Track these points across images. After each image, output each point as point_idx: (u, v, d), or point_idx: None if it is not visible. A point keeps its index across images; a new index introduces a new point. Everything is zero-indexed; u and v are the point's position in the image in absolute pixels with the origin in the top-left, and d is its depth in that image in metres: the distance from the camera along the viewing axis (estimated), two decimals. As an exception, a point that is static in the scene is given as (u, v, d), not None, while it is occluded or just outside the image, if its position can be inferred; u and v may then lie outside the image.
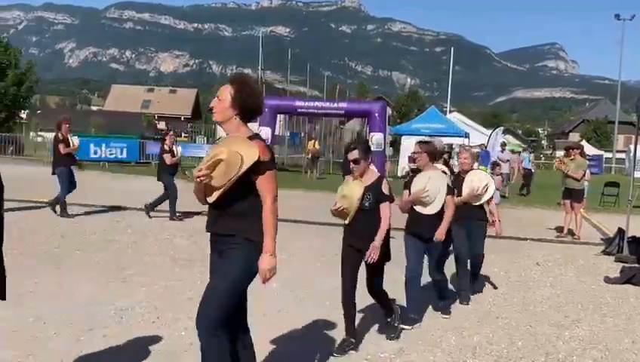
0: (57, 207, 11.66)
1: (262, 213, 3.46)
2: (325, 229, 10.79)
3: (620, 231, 10.41)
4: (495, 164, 15.93)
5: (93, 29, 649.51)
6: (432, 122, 28.94)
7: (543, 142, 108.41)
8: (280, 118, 32.99)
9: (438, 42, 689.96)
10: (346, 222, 5.04)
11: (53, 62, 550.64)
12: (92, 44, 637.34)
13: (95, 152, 27.78)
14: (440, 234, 5.79)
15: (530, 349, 5.38)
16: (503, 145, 23.63)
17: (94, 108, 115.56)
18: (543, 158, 60.50)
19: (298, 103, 31.27)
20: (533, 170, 23.94)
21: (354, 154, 5.00)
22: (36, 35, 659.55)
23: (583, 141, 54.42)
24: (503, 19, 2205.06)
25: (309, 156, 28.32)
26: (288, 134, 37.33)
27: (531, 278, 8.43)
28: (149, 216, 11.83)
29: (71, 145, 11.71)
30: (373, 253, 4.87)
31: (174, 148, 12.30)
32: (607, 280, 8.37)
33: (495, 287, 7.67)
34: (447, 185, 5.90)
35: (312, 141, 29.15)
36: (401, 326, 5.71)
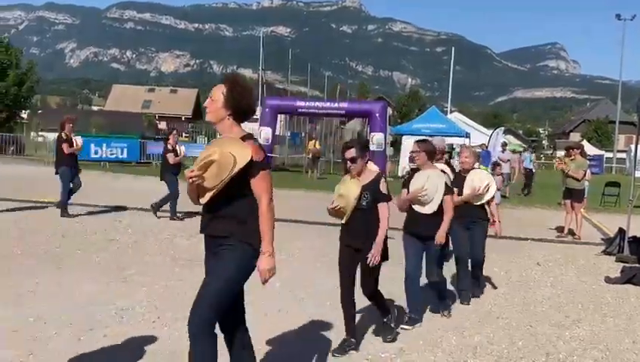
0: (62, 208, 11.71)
1: (257, 214, 3.45)
2: (326, 229, 10.79)
3: (621, 231, 10.41)
4: (496, 164, 15.95)
5: (94, 29, 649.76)
6: (432, 122, 28.92)
7: (543, 142, 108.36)
8: (281, 118, 33.02)
9: (439, 42, 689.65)
10: (343, 221, 5.02)
11: (54, 62, 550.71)
12: (93, 44, 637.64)
13: (96, 152, 27.79)
14: (440, 237, 5.77)
15: (530, 349, 5.37)
16: (504, 145, 23.63)
17: (95, 108, 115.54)
18: (543, 158, 60.50)
19: (299, 103, 31.31)
20: (534, 170, 23.91)
21: (351, 152, 4.99)
22: (37, 35, 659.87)
23: (584, 141, 54.42)
24: (504, 19, 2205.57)
25: (310, 156, 28.32)
26: (289, 134, 37.31)
27: (532, 278, 8.43)
28: (157, 216, 11.84)
29: (74, 145, 11.73)
30: (375, 256, 4.85)
31: (178, 147, 12.30)
32: (608, 280, 8.36)
33: (495, 287, 7.67)
34: (446, 185, 5.86)
35: (313, 141, 29.15)
36: (402, 326, 5.72)
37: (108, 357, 4.67)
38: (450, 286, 7.42)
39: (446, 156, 8.59)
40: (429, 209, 5.78)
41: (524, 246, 11.08)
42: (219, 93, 3.53)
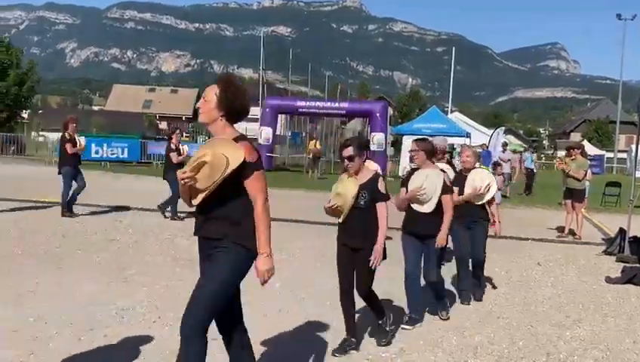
0: (71, 208, 11.76)
1: (251, 215, 3.42)
2: (326, 229, 10.78)
3: (622, 231, 10.40)
4: (496, 164, 15.95)
5: (94, 29, 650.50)
6: (433, 122, 28.91)
7: (544, 142, 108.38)
8: (281, 117, 33.06)
9: (440, 42, 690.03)
10: (340, 220, 4.98)
11: (54, 62, 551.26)
12: (93, 43, 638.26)
13: (96, 152, 27.84)
14: (441, 239, 5.73)
15: (531, 349, 5.37)
16: (505, 145, 23.61)
17: (96, 108, 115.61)
18: (543, 158, 60.47)
19: (299, 103, 31.35)
20: (535, 170, 23.88)
21: (348, 150, 4.95)
22: (38, 34, 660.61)
23: (585, 141, 54.41)
24: (505, 19, 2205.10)
25: (310, 156, 28.32)
26: (289, 134, 37.35)
27: (532, 278, 8.42)
28: (165, 216, 11.85)
29: (78, 144, 11.76)
30: (377, 259, 4.82)
31: (181, 147, 12.31)
32: (609, 280, 8.36)
33: (495, 287, 7.65)
34: (445, 184, 5.81)
35: (314, 141, 29.16)
36: (402, 326, 5.71)
37: (108, 357, 4.67)
38: (450, 287, 7.42)
39: (447, 156, 8.59)
40: (427, 208, 5.75)
41: (525, 246, 11.07)
42: (212, 93, 3.49)
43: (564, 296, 7.43)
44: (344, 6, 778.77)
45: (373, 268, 4.86)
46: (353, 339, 5.04)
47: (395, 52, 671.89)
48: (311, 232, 11.18)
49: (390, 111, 33.58)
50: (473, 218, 6.79)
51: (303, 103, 31.32)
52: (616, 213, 16.16)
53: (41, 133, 53.96)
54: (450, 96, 44.26)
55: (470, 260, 6.99)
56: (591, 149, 46.79)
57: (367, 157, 5.19)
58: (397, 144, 35.16)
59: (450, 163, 8.47)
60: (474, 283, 6.99)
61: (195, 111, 4.15)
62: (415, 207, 5.81)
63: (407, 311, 5.91)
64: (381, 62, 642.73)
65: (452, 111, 42.85)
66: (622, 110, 63.01)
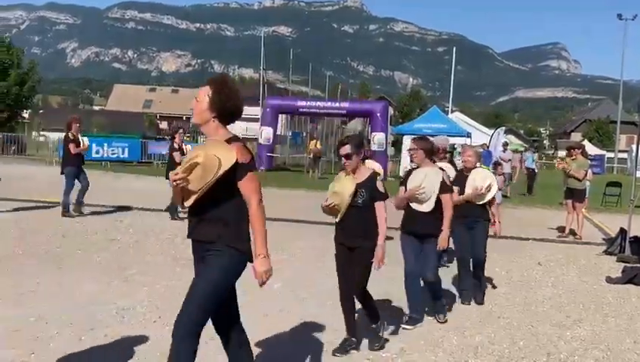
0: (80, 208, 11.84)
1: (244, 216, 3.40)
2: (327, 229, 10.74)
3: (622, 231, 10.40)
4: (497, 164, 15.92)
5: (95, 29, 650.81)
6: (434, 122, 28.91)
7: (545, 142, 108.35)
8: (282, 117, 33.08)
9: (440, 42, 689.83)
10: (337, 219, 4.95)
11: (55, 62, 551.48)
12: (94, 43, 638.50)
13: (97, 152, 27.84)
14: (443, 240, 5.71)
15: (531, 349, 5.37)
16: (505, 145, 23.58)
17: (96, 107, 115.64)
18: (544, 158, 60.44)
19: (300, 103, 31.36)
20: (536, 170, 23.83)
21: (346, 148, 4.92)
22: (38, 34, 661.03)
23: (585, 141, 54.38)
24: (505, 19, 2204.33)
25: (311, 156, 28.35)
26: (290, 134, 37.37)
27: (533, 278, 8.42)
28: (178, 218, 11.82)
29: (81, 145, 11.79)
30: (379, 259, 4.80)
31: (184, 146, 12.33)
32: (609, 280, 8.36)
33: (494, 287, 7.65)
34: (445, 183, 5.78)
35: (314, 141, 29.18)
36: (403, 326, 5.71)
37: (109, 357, 4.67)
38: (451, 287, 7.42)
39: (448, 155, 8.59)
40: (426, 207, 5.71)
41: (526, 246, 11.07)
42: (204, 95, 3.47)
43: (564, 296, 7.43)
44: (345, 6, 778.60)
45: (377, 268, 4.84)
46: (354, 339, 5.04)
47: (396, 52, 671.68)
48: (312, 232, 11.17)
49: (391, 111, 33.57)
50: (474, 218, 6.76)
51: (303, 103, 31.33)
52: (617, 213, 16.15)
53: (41, 132, 54.05)
54: (451, 96, 44.21)
55: (471, 260, 6.98)
56: (591, 149, 46.77)
57: (365, 156, 5.16)
58: (397, 144, 35.16)
59: (451, 162, 8.48)
60: (474, 284, 6.93)
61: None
62: (414, 206, 5.77)
63: (407, 311, 5.91)
64: (382, 62, 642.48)
65: (453, 111, 42.83)
66: (622, 110, 62.97)
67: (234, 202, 3.40)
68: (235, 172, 3.35)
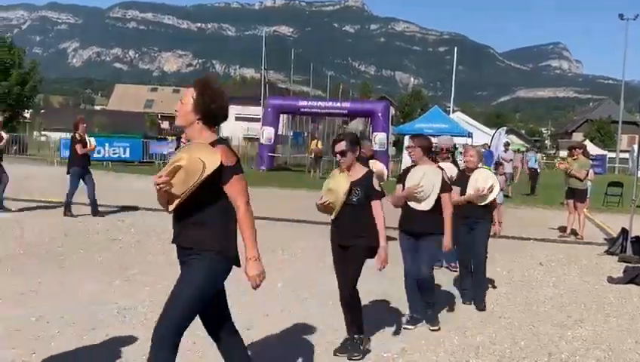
0: (97, 208, 11.88)
1: (231, 220, 3.36)
2: (328, 229, 10.77)
3: (624, 231, 10.39)
4: (498, 164, 15.93)
5: (96, 29, 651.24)
6: (435, 122, 28.89)
7: (546, 142, 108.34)
8: (283, 117, 33.08)
9: (442, 42, 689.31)
10: (332, 216, 4.90)
11: (56, 62, 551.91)
12: (95, 43, 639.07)
13: (98, 152, 27.74)
14: (447, 244, 5.65)
15: (532, 349, 5.36)
16: (507, 145, 23.56)
17: (98, 107, 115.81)
18: (545, 158, 60.41)
19: (301, 103, 31.38)
20: (539, 170, 23.80)
21: (341, 145, 4.87)
22: (40, 34, 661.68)
23: (587, 141, 54.43)
24: (507, 19, 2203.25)
25: (312, 156, 28.35)
26: (291, 134, 37.36)
27: (534, 278, 8.42)
28: None
29: (88, 145, 11.83)
30: (382, 261, 4.75)
31: None
32: (611, 280, 8.35)
33: (494, 287, 7.64)
34: (445, 182, 5.70)
35: (315, 141, 29.19)
36: (404, 326, 5.70)
37: (110, 357, 4.67)
38: (452, 287, 7.42)
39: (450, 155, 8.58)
40: (425, 206, 5.62)
41: (527, 246, 11.07)
42: (189, 96, 3.43)
43: (566, 296, 7.42)
44: (346, 6, 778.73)
45: (381, 269, 4.80)
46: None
47: (397, 52, 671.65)
48: (313, 232, 11.16)
49: (392, 111, 33.61)
50: (476, 218, 6.69)
51: (304, 103, 31.35)
52: (619, 212, 16.14)
53: (43, 132, 54.12)
54: (452, 96, 44.25)
55: (471, 260, 6.96)
56: (593, 149, 46.80)
57: (370, 156, 5.13)
58: (399, 144, 35.16)
59: (454, 162, 8.46)
60: (475, 285, 6.83)
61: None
62: (412, 204, 5.69)
63: (407, 311, 5.90)
64: (383, 62, 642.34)
65: (454, 111, 42.85)
66: (624, 110, 62.95)
67: (220, 205, 3.35)
68: (221, 175, 3.30)
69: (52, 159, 27.99)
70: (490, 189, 6.63)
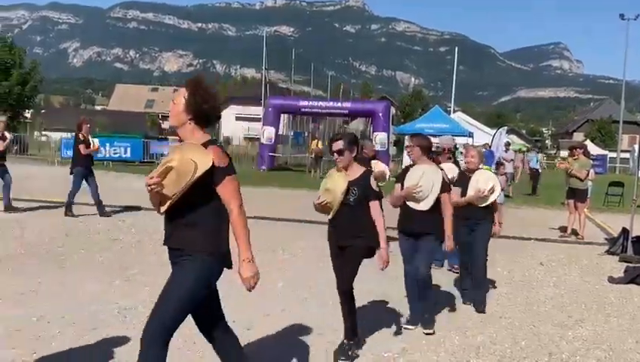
0: (104, 208, 11.93)
1: (223, 221, 3.35)
2: (328, 229, 10.78)
3: (624, 231, 10.39)
4: (499, 164, 15.92)
5: (97, 29, 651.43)
6: (436, 122, 28.88)
7: (547, 141, 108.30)
8: (284, 117, 33.12)
9: (442, 42, 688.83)
10: (330, 216, 4.88)
11: (57, 62, 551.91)
12: (96, 43, 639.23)
13: (99, 151, 27.83)
14: (449, 244, 5.63)
15: (533, 349, 5.36)
16: (507, 145, 23.54)
17: (98, 107, 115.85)
18: (545, 158, 60.40)
19: (302, 103, 31.41)
20: (540, 170, 23.77)
21: (338, 144, 4.82)
22: (40, 34, 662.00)
23: (588, 141, 54.42)
24: (507, 19, 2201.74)
25: (313, 156, 28.34)
26: (292, 134, 37.40)
27: (535, 278, 8.41)
28: None
29: (91, 146, 11.85)
30: (384, 261, 4.74)
31: None
32: (611, 280, 8.35)
33: (495, 287, 7.63)
34: (444, 182, 5.66)
35: (316, 141, 29.19)
36: (405, 325, 5.70)
37: (111, 356, 4.67)
38: (452, 288, 7.42)
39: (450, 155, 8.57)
40: (424, 205, 5.58)
41: (527, 246, 11.06)
42: (181, 97, 3.42)
43: (566, 296, 7.42)
44: (347, 6, 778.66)
45: (383, 269, 4.79)
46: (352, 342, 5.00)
47: (398, 52, 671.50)
48: (313, 232, 11.15)
49: (393, 111, 33.66)
50: (477, 219, 6.65)
51: (305, 103, 31.38)
52: (619, 212, 16.12)
53: (43, 132, 54.11)
54: (453, 96, 44.21)
55: (472, 261, 6.94)
56: (594, 149, 46.76)
57: (372, 156, 5.10)
58: (399, 144, 35.18)
59: (456, 163, 8.45)
60: (475, 287, 6.74)
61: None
62: (411, 204, 5.65)
63: (407, 310, 5.89)
64: (384, 62, 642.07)
65: (455, 111, 42.85)
66: (625, 110, 62.99)
67: (212, 206, 3.33)
68: (213, 176, 3.28)
69: (53, 159, 28.01)
70: (491, 191, 6.58)
